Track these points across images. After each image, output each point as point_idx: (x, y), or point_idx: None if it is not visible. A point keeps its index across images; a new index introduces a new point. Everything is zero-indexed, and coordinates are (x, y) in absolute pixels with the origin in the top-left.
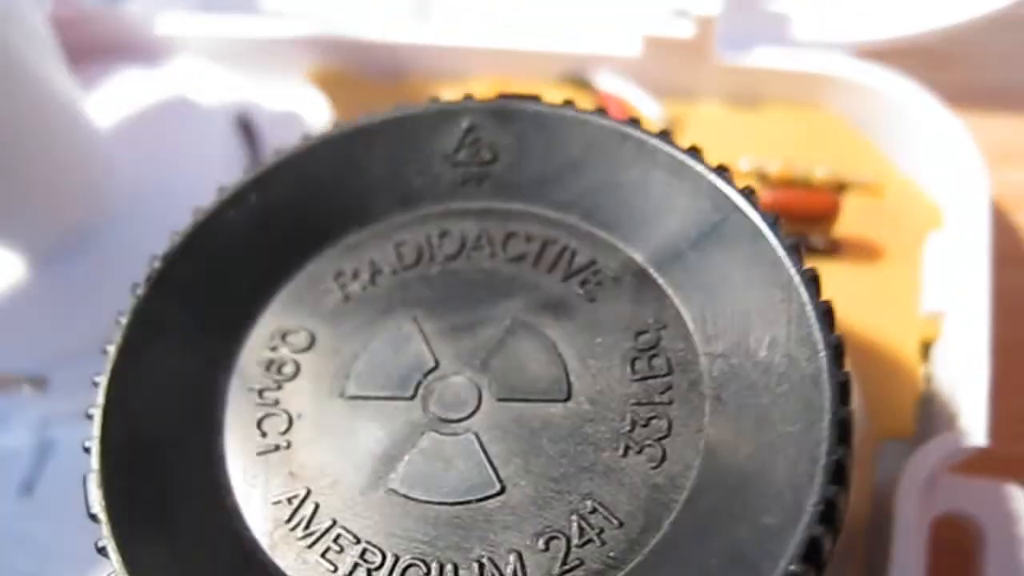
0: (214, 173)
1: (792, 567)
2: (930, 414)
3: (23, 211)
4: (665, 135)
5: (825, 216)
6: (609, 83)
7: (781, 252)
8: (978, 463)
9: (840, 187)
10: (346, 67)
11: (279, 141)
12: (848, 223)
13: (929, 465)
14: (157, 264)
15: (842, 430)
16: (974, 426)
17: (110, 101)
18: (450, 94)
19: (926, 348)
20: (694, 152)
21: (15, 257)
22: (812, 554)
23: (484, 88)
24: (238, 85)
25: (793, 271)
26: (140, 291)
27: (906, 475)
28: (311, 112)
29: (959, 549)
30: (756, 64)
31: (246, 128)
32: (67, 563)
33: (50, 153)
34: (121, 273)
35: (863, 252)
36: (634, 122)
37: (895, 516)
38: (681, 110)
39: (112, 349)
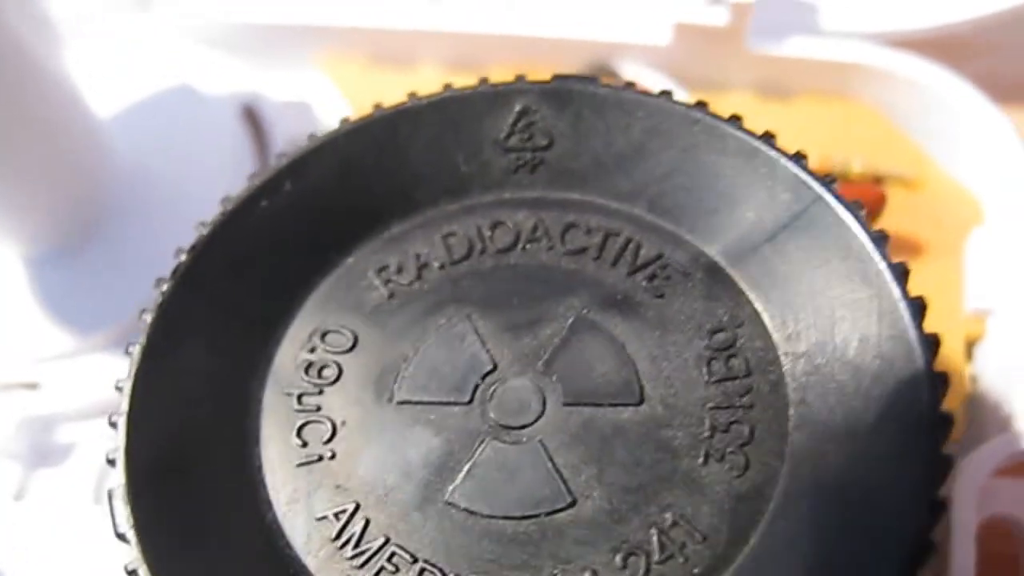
0: (220, 164)
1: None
2: (979, 416)
3: (21, 205)
4: (736, 119)
5: (871, 211)
6: (635, 72)
7: (869, 244)
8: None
9: (877, 181)
10: (357, 54)
11: (287, 130)
12: (886, 218)
13: (985, 469)
14: (183, 257)
15: (945, 433)
16: None
17: (112, 90)
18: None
19: (970, 347)
20: (768, 137)
21: (10, 256)
22: (922, 557)
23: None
24: (245, 73)
25: (883, 265)
26: (165, 287)
27: (962, 479)
28: (321, 101)
29: (1006, 556)
30: (788, 53)
31: (252, 117)
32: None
33: (48, 141)
34: (122, 271)
35: (903, 248)
36: (701, 105)
37: (952, 521)
38: (710, 100)
39: (136, 350)
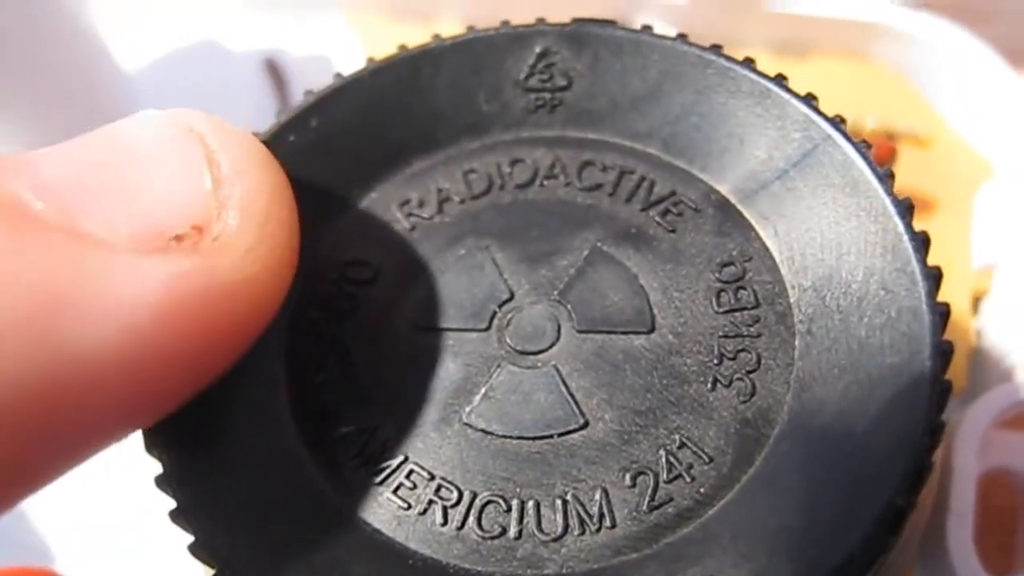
0: (242, 117)
1: (899, 500)
2: (983, 369)
3: None
4: (749, 62)
5: (882, 165)
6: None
7: (875, 181)
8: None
9: (889, 138)
10: (380, 8)
11: (309, 84)
12: (898, 175)
13: (986, 418)
14: None
15: (944, 360)
16: None
17: (137, 44)
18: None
19: (977, 302)
20: (780, 79)
21: None
22: (918, 485)
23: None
24: (268, 27)
25: (888, 200)
26: None
27: (963, 427)
28: (343, 55)
29: (1006, 509)
30: (805, 12)
31: (275, 71)
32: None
33: (74, 92)
34: None
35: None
36: (716, 48)
37: (953, 468)
38: None
39: None
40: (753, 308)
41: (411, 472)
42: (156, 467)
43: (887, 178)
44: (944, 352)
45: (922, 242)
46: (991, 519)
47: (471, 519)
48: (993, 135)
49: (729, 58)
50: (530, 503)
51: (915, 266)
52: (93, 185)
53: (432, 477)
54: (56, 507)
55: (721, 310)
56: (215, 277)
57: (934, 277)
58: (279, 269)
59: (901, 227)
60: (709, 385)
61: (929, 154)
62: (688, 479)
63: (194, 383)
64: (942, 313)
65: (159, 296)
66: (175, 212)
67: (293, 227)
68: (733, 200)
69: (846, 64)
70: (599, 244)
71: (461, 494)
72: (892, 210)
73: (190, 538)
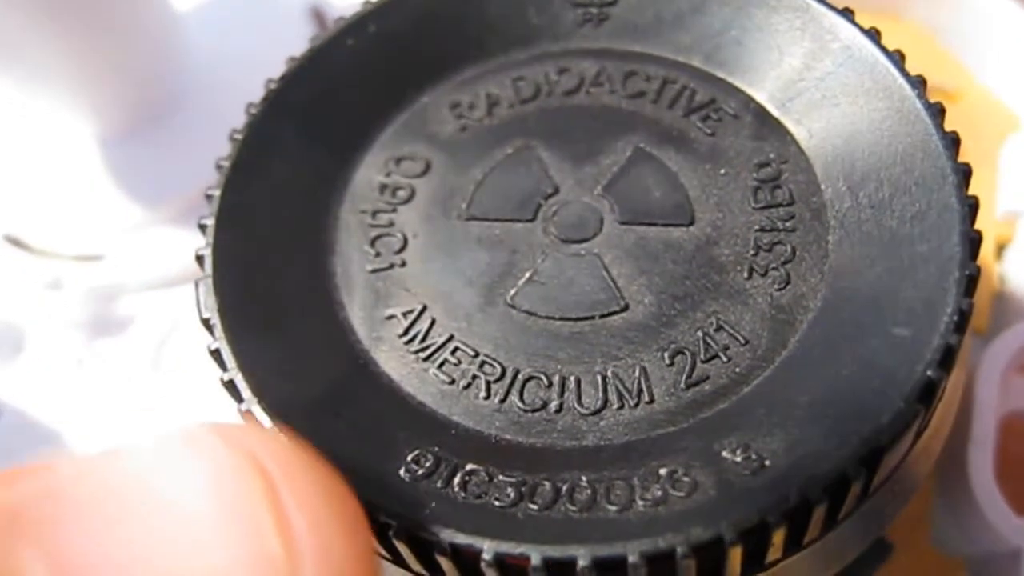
0: (284, 60)
1: (930, 372)
2: (1004, 311)
3: (100, 85)
4: None
5: None
6: None
7: (908, 87)
8: None
9: None
10: None
11: None
12: None
13: (1008, 353)
14: (273, 85)
15: (973, 248)
16: None
17: None
18: None
19: (1001, 249)
20: None
21: (83, 135)
22: (946, 361)
23: None
24: None
25: (920, 104)
26: (255, 110)
27: (984, 361)
28: None
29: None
30: None
31: (319, 17)
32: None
33: (128, 28)
34: (186, 151)
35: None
36: None
37: (974, 399)
38: None
39: (226, 164)
40: (788, 205)
41: (456, 349)
42: (210, 336)
43: (919, 84)
44: (973, 240)
45: (952, 141)
46: (1010, 467)
47: (513, 393)
48: (1020, 89)
49: None
50: (571, 379)
51: (945, 162)
52: None
53: (476, 354)
54: None
55: (758, 206)
56: None
57: (963, 172)
58: None
59: (932, 127)
60: (745, 274)
61: (958, 108)
62: (724, 359)
63: None
64: (971, 204)
65: None
66: None
67: None
68: (770, 107)
69: (878, 22)
70: (642, 145)
71: (504, 370)
72: (924, 112)
73: (239, 403)
